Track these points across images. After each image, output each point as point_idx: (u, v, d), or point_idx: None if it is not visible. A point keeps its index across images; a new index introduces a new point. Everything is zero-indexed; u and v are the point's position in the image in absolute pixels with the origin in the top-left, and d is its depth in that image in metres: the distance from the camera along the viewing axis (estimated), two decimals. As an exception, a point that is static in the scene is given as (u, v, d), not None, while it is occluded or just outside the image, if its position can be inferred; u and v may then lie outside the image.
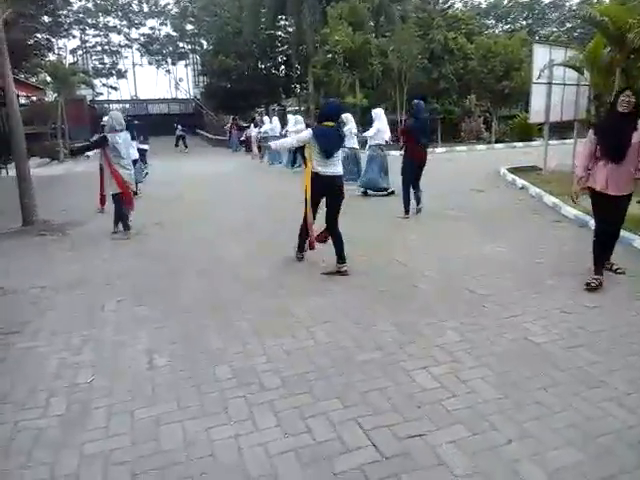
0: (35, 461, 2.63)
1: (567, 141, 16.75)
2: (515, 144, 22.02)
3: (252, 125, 21.79)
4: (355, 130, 11.12)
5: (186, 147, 26.10)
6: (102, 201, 8.70)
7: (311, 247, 5.80)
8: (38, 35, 28.21)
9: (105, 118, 9.31)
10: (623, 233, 6.39)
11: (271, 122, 19.10)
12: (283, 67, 37.87)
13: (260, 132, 19.26)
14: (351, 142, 11.13)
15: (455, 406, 2.95)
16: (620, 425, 2.73)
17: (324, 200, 5.58)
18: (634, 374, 3.25)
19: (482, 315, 4.27)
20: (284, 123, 18.59)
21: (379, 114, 10.36)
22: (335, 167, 5.47)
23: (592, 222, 7.04)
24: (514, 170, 12.85)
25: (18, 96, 12.62)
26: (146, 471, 2.52)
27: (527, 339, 3.80)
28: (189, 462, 2.57)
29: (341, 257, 5.49)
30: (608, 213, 4.79)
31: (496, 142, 22.68)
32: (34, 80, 25.84)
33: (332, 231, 5.55)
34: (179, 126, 26.62)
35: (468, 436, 2.68)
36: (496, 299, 4.60)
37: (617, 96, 4.61)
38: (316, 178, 5.46)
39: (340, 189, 5.50)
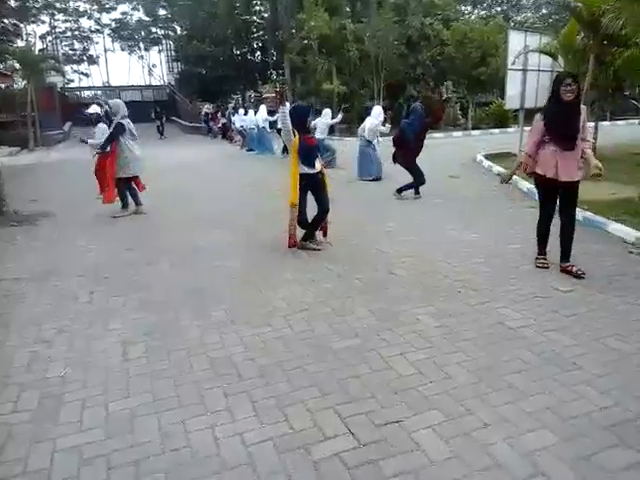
0: (7, 457, 2.57)
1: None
2: (491, 131, 22.23)
3: (233, 112, 21.50)
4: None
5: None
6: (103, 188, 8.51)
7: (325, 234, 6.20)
8: (5, 20, 27.36)
9: (93, 109, 9.33)
10: (597, 218, 6.52)
11: (246, 114, 18.94)
12: (259, 53, 37.49)
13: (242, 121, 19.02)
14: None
15: (431, 392, 2.97)
16: (593, 407, 2.77)
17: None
18: (606, 357, 3.31)
19: (458, 301, 4.30)
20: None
21: (375, 111, 10.90)
22: None
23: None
24: (490, 156, 12.98)
25: (-15, 83, 12.25)
26: (121, 464, 2.48)
27: (502, 324, 3.83)
28: (165, 454, 2.54)
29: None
30: (554, 199, 4.87)
31: (473, 129, 22.87)
32: (1, 67, 25.11)
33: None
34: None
35: (444, 421, 2.70)
36: (472, 285, 4.64)
37: (559, 84, 4.53)
38: None
39: None
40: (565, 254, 4.88)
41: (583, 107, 4.64)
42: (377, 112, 10.82)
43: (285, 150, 15.32)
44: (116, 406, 2.95)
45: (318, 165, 5.91)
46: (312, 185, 5.90)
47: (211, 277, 5.13)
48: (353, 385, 3.07)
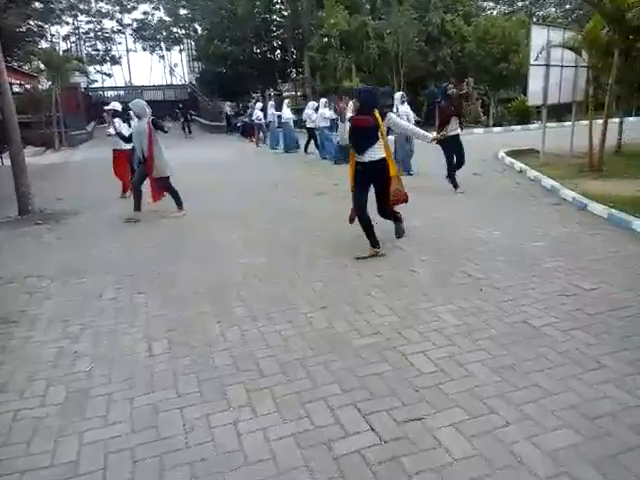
0: (35, 450, 2.63)
1: (565, 123, 16.68)
2: (513, 127, 21.92)
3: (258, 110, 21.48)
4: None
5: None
6: (126, 187, 8.95)
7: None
8: (30, 22, 27.85)
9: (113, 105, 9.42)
10: (622, 215, 6.40)
11: (262, 110, 19.13)
12: (279, 51, 37.52)
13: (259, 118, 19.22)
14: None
15: (453, 389, 2.96)
16: (618, 407, 2.73)
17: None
18: (632, 356, 3.25)
19: (480, 299, 4.26)
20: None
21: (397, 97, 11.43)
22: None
23: (591, 205, 7.06)
24: (512, 153, 12.83)
25: (11, 84, 12.52)
26: (146, 458, 2.52)
27: (525, 322, 3.79)
28: (189, 448, 2.58)
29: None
30: None
31: (494, 126, 22.59)
32: (27, 68, 25.57)
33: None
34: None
35: (466, 419, 2.68)
36: (494, 282, 4.60)
37: None
38: None
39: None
40: None
41: None
42: (398, 96, 11.40)
43: (308, 146, 15.47)
44: (141, 401, 3.01)
45: (372, 154, 5.20)
46: (368, 177, 5.31)
47: (232, 274, 5.17)
48: (374, 382, 3.07)
